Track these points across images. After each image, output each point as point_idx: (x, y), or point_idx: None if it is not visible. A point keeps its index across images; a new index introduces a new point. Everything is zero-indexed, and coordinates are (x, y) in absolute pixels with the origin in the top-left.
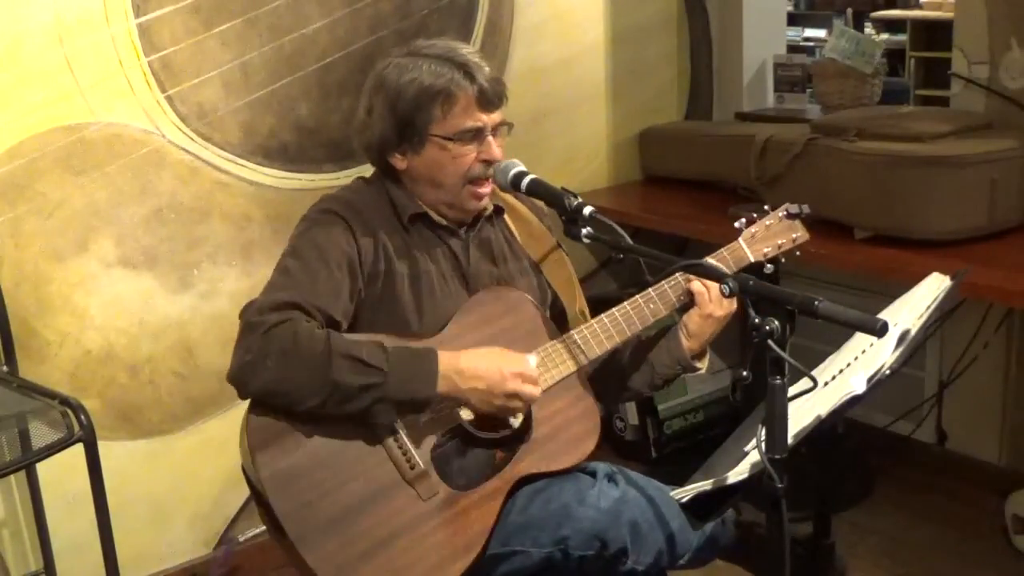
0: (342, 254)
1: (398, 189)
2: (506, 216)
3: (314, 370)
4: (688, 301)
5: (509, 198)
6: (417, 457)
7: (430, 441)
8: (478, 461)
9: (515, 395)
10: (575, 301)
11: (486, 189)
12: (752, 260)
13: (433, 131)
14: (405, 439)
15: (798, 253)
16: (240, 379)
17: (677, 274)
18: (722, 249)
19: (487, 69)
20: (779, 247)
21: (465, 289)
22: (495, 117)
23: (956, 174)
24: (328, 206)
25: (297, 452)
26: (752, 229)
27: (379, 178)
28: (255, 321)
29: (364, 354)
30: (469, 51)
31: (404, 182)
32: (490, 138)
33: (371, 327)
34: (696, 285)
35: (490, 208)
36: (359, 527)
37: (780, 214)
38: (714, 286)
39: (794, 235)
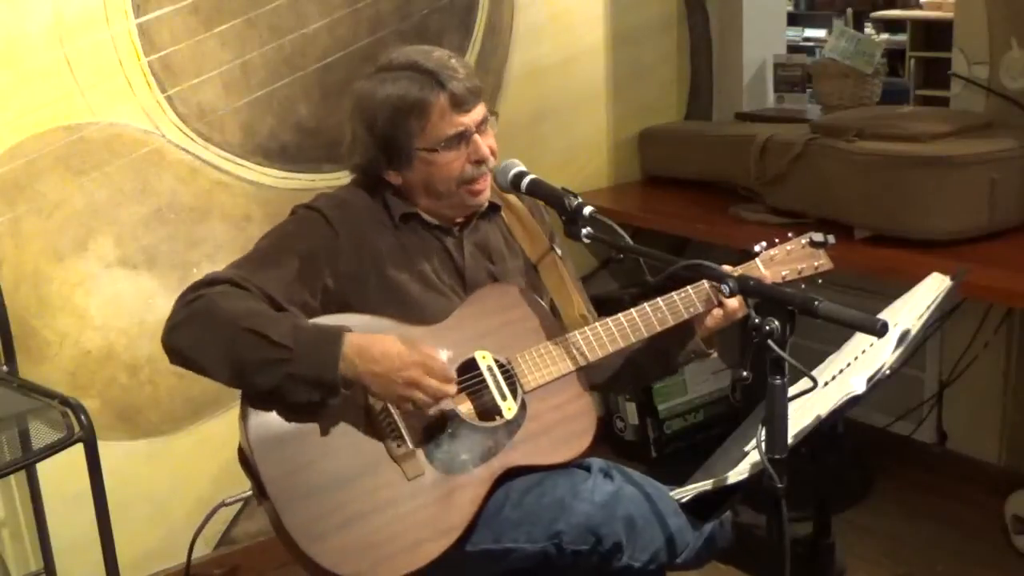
0: (307, 249)
1: (391, 193)
2: (504, 214)
3: (221, 342)
4: (697, 314)
5: (507, 195)
6: (407, 437)
7: (422, 422)
8: (468, 448)
9: (414, 384)
10: (572, 305)
11: (482, 185)
12: (768, 282)
13: (417, 145)
14: (396, 418)
15: (820, 281)
16: (164, 344)
17: (688, 287)
18: (738, 267)
19: (459, 69)
20: (799, 272)
21: (462, 287)
22: (476, 115)
23: (956, 174)
24: (319, 204)
25: (287, 420)
26: (772, 252)
27: (375, 180)
28: (188, 292)
29: (271, 331)
30: (437, 54)
31: (398, 190)
32: (476, 137)
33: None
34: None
35: (484, 205)
36: (340, 498)
37: (803, 241)
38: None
39: (816, 263)
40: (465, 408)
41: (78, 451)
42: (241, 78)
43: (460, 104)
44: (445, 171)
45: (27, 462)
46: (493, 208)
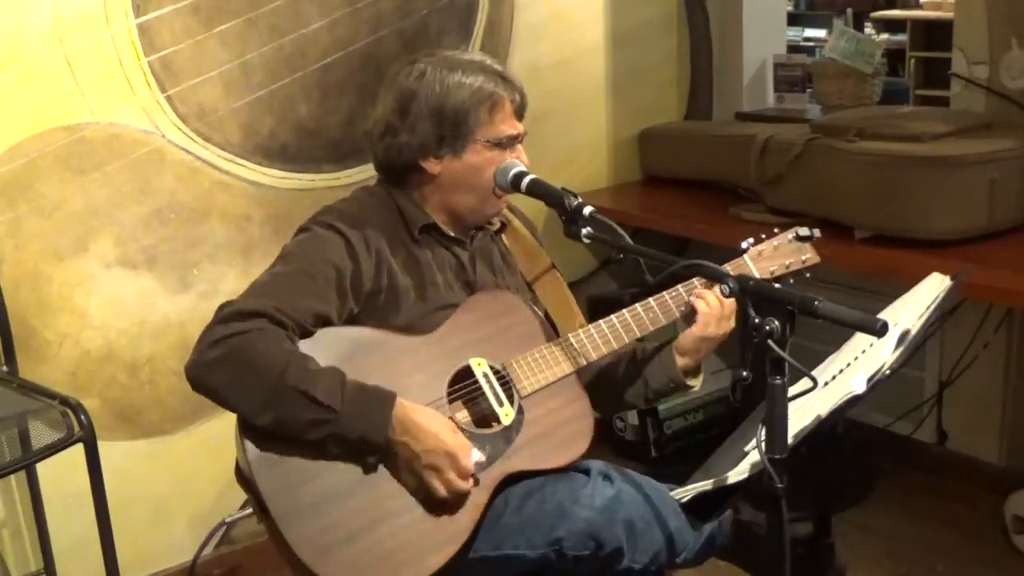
0: (334, 272)
1: (406, 199)
2: (504, 233)
3: (263, 393)
4: (689, 312)
5: (507, 214)
6: None
7: None
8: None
9: (437, 471)
10: (574, 318)
11: (506, 196)
12: (757, 277)
13: (478, 136)
14: None
15: (808, 275)
16: (192, 377)
17: (679, 286)
18: (726, 264)
19: (518, 81)
20: (787, 267)
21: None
22: (521, 129)
23: (956, 174)
24: (331, 220)
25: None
26: (759, 247)
27: (384, 187)
28: (220, 325)
29: (318, 391)
30: (501, 65)
31: (418, 189)
32: (520, 147)
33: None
34: (701, 304)
35: (497, 224)
36: (343, 511)
37: (789, 236)
38: (716, 306)
39: (803, 257)
40: (462, 416)
41: (78, 451)
42: (241, 78)
43: (519, 113)
44: (489, 169)
45: (27, 462)
46: (502, 226)
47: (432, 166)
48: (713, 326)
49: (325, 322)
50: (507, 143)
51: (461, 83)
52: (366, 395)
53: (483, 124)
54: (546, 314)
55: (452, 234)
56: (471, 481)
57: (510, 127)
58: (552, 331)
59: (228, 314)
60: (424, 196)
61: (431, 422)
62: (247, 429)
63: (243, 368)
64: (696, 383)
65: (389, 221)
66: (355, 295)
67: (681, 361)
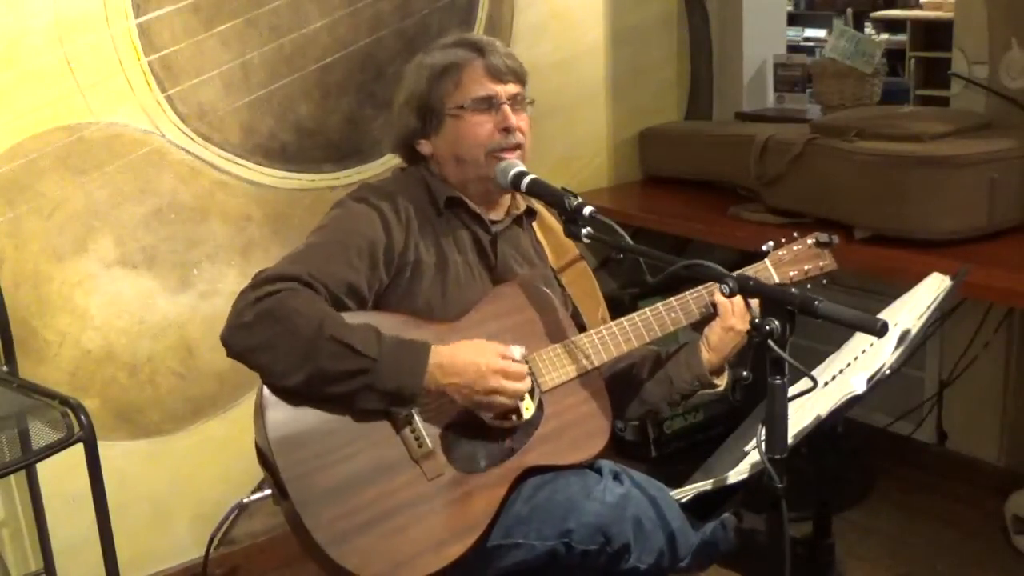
0: (366, 243)
1: (431, 175)
2: (535, 223)
3: (300, 347)
4: (709, 315)
5: (538, 205)
6: (426, 437)
7: (441, 423)
8: (487, 448)
9: (496, 391)
10: (598, 309)
11: (512, 156)
12: (777, 281)
13: (448, 105)
14: (416, 418)
15: (824, 282)
16: (228, 341)
17: (701, 288)
18: (747, 268)
19: (499, 47)
20: (805, 272)
21: (492, 282)
22: (509, 89)
23: (956, 174)
24: (365, 195)
25: (308, 418)
26: (780, 252)
27: (415, 166)
28: (254, 288)
29: (356, 340)
30: (481, 35)
31: (434, 167)
32: (505, 107)
33: (396, 311)
34: (720, 297)
35: (523, 207)
36: (362, 498)
37: (809, 241)
38: (738, 299)
39: (822, 263)
40: None
41: (78, 451)
42: (241, 78)
43: (494, 73)
44: (472, 133)
45: (27, 462)
46: (530, 213)
47: (424, 148)
48: (736, 318)
49: (356, 293)
50: (481, 106)
51: (423, 64)
52: (403, 345)
53: (449, 94)
54: (574, 305)
55: (476, 210)
56: (528, 380)
57: (480, 89)
58: (576, 326)
59: (261, 280)
60: (440, 173)
61: (467, 353)
62: (267, 411)
63: (279, 325)
64: (722, 382)
65: (418, 197)
66: (387, 267)
67: (707, 356)
